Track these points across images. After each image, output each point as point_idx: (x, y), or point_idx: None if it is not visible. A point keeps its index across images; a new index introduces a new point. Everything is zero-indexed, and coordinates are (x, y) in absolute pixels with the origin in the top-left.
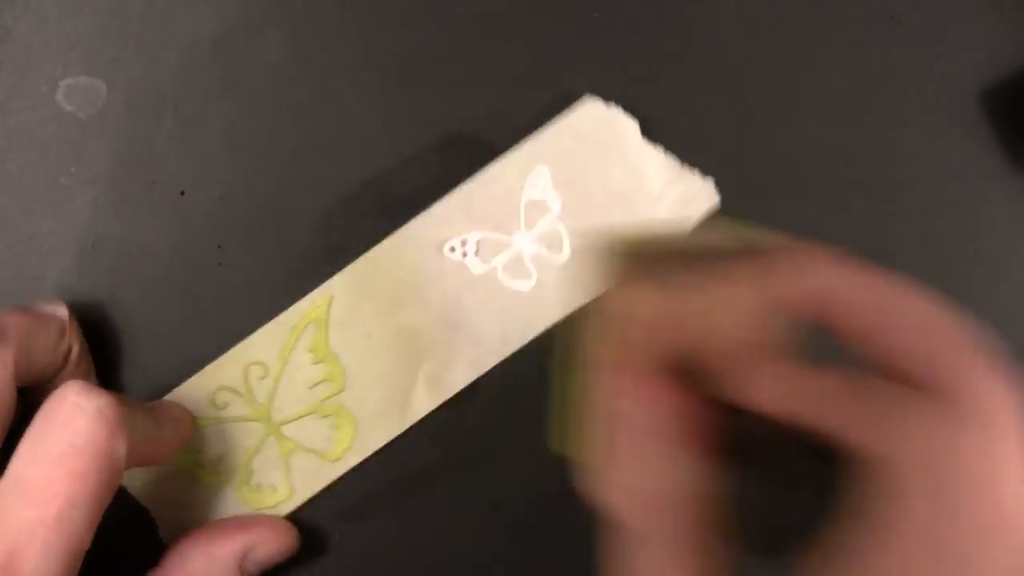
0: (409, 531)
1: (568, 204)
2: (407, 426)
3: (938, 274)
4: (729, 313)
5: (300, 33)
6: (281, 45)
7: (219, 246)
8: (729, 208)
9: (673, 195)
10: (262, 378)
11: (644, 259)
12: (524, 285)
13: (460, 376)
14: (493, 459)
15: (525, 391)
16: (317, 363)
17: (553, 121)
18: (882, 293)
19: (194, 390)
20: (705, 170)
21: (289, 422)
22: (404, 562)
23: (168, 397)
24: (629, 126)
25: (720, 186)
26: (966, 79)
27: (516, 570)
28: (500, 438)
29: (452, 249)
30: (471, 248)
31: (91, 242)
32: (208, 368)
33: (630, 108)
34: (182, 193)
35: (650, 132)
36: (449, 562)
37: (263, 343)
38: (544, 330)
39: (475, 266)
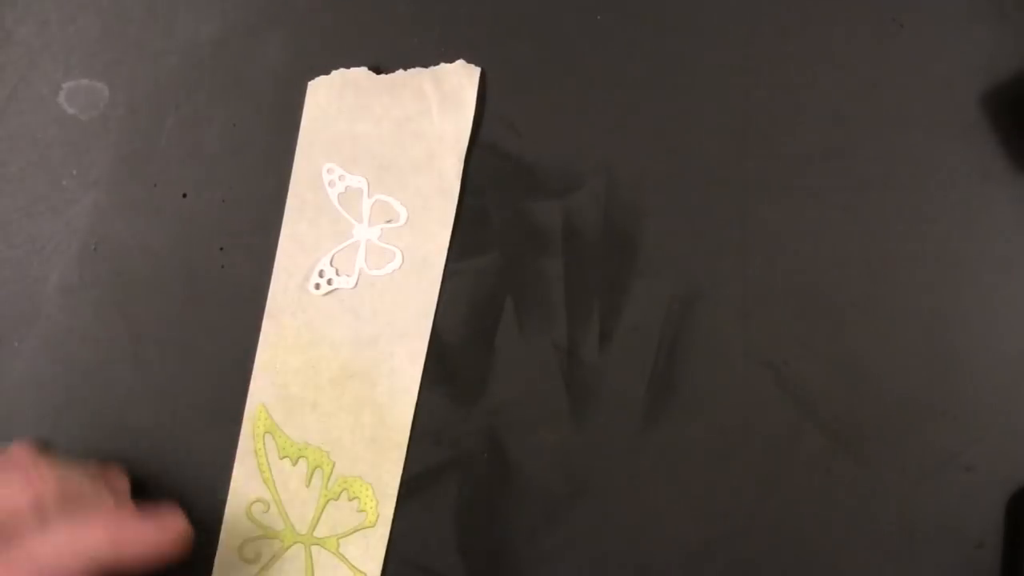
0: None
1: (370, 176)
2: (404, 446)
3: (939, 275)
4: None
5: (300, 35)
6: (281, 47)
7: (221, 248)
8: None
9: (443, 94)
10: (265, 511)
11: None
12: (392, 265)
13: (409, 376)
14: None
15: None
16: (296, 461)
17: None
18: None
19: (226, 559)
20: (704, 169)
21: (316, 525)
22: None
23: None
24: (357, 77)
25: (721, 184)
26: (967, 81)
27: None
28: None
29: (317, 286)
30: (330, 272)
31: (93, 244)
32: (221, 538)
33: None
34: (184, 195)
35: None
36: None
37: (243, 483)
38: (438, 287)
39: (344, 283)
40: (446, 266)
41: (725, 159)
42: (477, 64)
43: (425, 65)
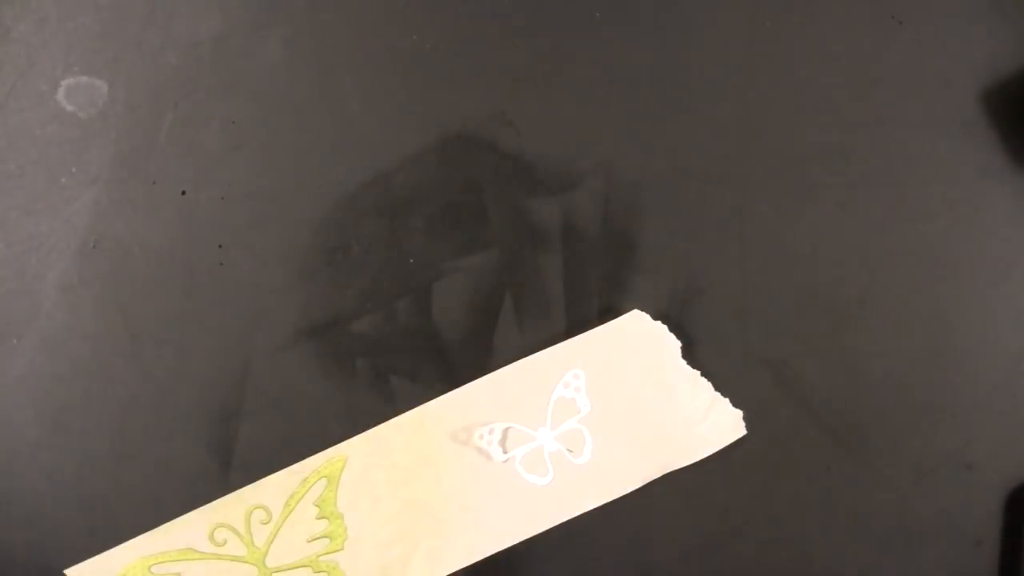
0: None
1: (597, 410)
2: None
3: (938, 272)
4: None
5: (300, 33)
6: (282, 45)
7: (220, 246)
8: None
9: (702, 423)
10: (264, 523)
11: None
12: (540, 480)
13: (459, 557)
14: None
15: None
16: (321, 518)
17: (597, 327)
18: None
19: (196, 522)
20: (703, 167)
21: (282, 571)
22: None
23: (167, 526)
24: (671, 345)
25: (720, 182)
26: (966, 78)
27: None
28: None
29: (481, 437)
30: (496, 437)
31: (92, 242)
32: (213, 503)
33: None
34: (183, 193)
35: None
36: None
37: (272, 488)
38: (551, 527)
39: (496, 454)
40: (444, 263)
41: (724, 156)
42: (475, 60)
43: (422, 64)
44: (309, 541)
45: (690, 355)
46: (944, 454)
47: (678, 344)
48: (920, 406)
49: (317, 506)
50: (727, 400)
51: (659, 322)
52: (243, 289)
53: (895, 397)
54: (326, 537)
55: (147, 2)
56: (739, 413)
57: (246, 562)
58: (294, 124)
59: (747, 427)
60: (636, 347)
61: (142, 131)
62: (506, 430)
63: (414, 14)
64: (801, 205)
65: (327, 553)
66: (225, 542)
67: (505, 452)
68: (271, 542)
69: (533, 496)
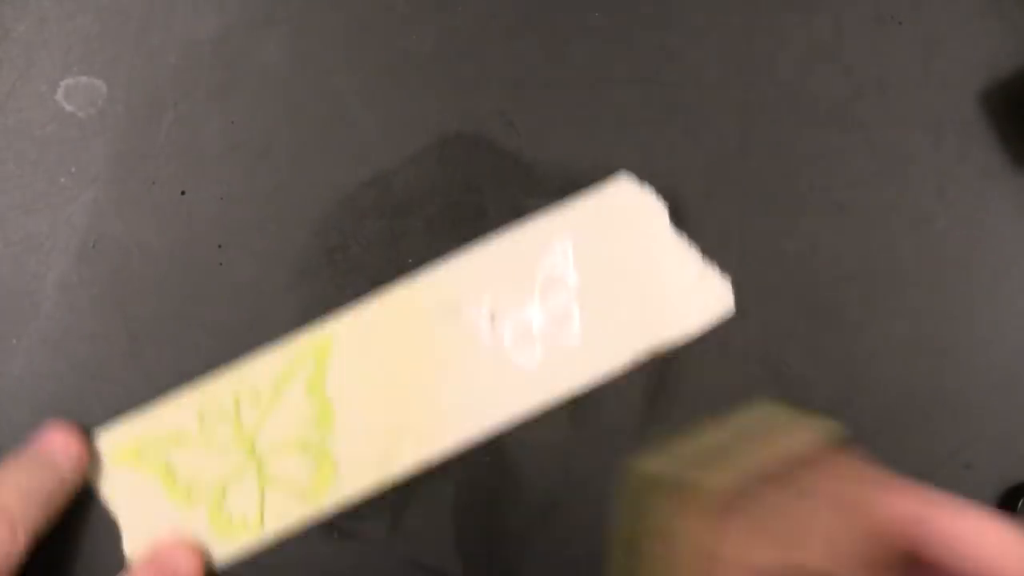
0: None
1: (584, 283)
2: (387, 480)
3: (937, 272)
4: (819, 540)
5: (300, 33)
6: (281, 45)
7: (219, 246)
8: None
9: (691, 293)
10: (252, 407)
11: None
12: (529, 360)
13: (448, 440)
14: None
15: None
16: (309, 401)
17: (582, 194)
18: (968, 527)
19: (183, 405)
20: (703, 168)
21: (271, 453)
22: None
23: (155, 411)
24: (658, 211)
25: (719, 182)
26: (966, 79)
27: None
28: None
29: (468, 313)
30: (484, 314)
31: (91, 242)
32: (201, 387)
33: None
34: (182, 193)
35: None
36: None
37: (260, 370)
38: (541, 408)
39: (484, 333)
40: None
41: (723, 157)
42: (474, 61)
43: (422, 64)
44: (299, 424)
45: (689, 355)
46: (944, 454)
47: (665, 210)
48: (919, 406)
49: (306, 388)
50: (715, 270)
51: (646, 185)
52: (243, 289)
53: (895, 397)
54: (315, 419)
55: (146, 2)
56: (727, 283)
57: (235, 445)
58: (293, 124)
59: None
60: (622, 215)
61: (141, 131)
62: (494, 306)
63: (414, 14)
64: (800, 205)
65: (317, 435)
66: (213, 427)
67: (493, 329)
68: (260, 426)
69: (521, 377)
